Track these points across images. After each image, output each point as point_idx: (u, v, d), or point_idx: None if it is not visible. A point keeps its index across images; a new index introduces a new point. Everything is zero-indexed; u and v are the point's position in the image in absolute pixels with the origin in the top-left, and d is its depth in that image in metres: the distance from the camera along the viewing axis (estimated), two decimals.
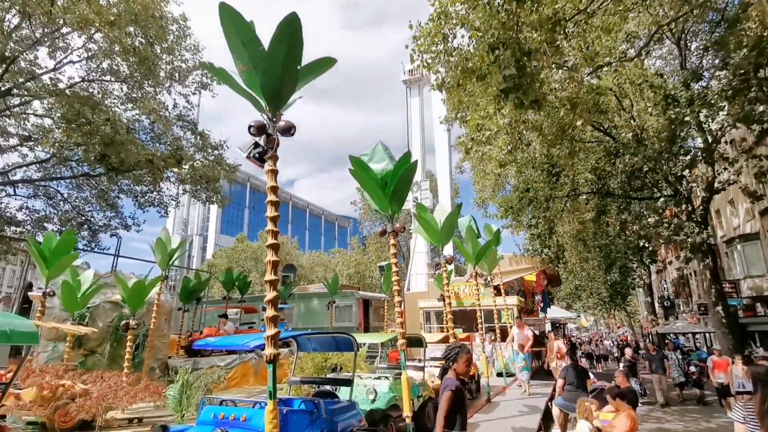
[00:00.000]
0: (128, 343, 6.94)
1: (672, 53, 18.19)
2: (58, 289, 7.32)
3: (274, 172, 2.92)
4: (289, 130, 2.93)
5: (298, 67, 2.97)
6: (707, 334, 27.24)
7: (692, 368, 12.53)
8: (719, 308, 14.48)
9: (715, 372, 10.13)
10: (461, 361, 3.35)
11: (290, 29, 2.81)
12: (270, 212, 2.83)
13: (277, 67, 2.88)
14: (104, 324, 8.47)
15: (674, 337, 28.30)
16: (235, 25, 2.82)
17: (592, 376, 8.17)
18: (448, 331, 6.14)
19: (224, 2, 2.76)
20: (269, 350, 2.53)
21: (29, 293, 7.62)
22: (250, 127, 2.85)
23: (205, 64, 2.96)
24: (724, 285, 16.38)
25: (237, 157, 18.06)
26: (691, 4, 10.62)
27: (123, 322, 7.08)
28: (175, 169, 16.37)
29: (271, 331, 2.57)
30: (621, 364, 12.86)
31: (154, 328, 8.09)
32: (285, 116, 3.05)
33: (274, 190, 2.88)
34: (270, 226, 2.80)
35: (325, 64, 3.16)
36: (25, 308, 9.58)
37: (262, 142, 2.92)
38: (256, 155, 2.90)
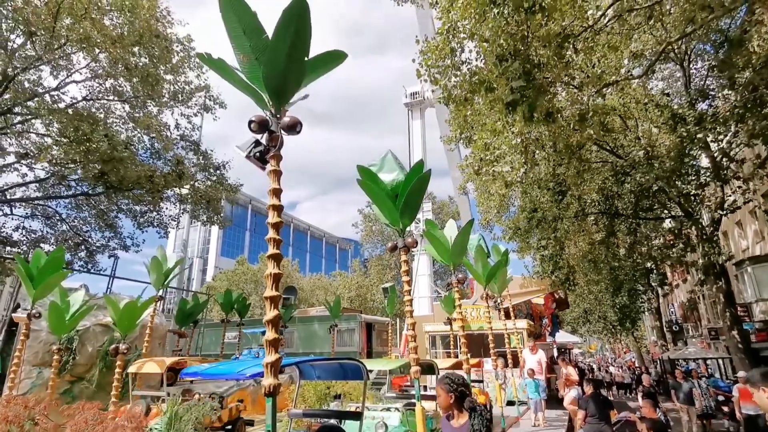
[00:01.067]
0: (117, 369, 6.47)
1: (673, 75, 18.21)
2: (45, 311, 6.90)
3: (277, 173, 2.57)
4: (294, 126, 2.60)
5: (305, 59, 2.67)
6: (719, 360, 26.43)
7: (720, 398, 11.77)
8: (734, 333, 13.97)
9: (741, 402, 9.38)
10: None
11: (297, 15, 2.52)
12: (272, 218, 2.48)
13: (282, 58, 2.58)
14: (93, 348, 7.99)
15: (685, 363, 27.44)
16: (236, 11, 2.53)
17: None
18: (464, 356, 5.68)
19: None
20: (269, 380, 2.11)
21: (13, 315, 7.18)
22: (250, 122, 2.53)
23: (202, 55, 2.65)
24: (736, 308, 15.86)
25: (239, 177, 17.84)
26: (696, 23, 10.57)
27: (112, 346, 6.63)
28: (176, 189, 16.13)
29: (271, 357, 2.15)
30: (639, 394, 12.09)
31: (146, 352, 7.63)
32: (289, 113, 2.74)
33: (277, 193, 2.54)
34: (272, 233, 2.44)
35: (334, 57, 2.86)
36: (13, 331, 9.10)
37: (263, 141, 2.59)
38: (257, 154, 2.57)
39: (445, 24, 8.29)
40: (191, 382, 9.16)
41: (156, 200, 15.92)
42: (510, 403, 10.65)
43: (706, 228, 13.57)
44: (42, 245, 15.70)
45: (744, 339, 13.86)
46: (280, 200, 2.53)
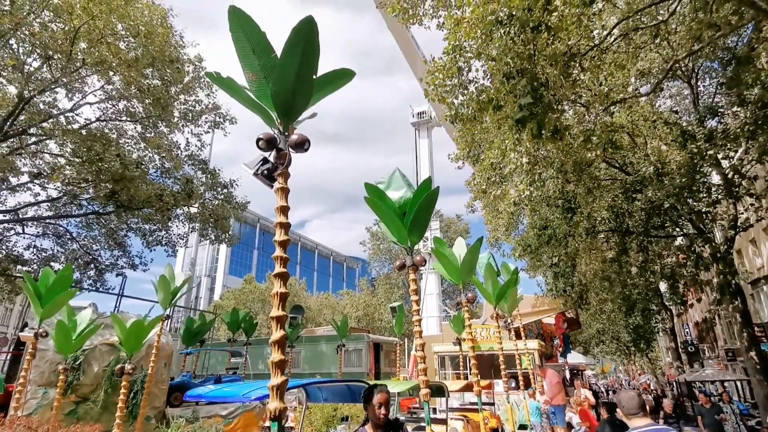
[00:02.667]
0: (122, 390, 6.39)
1: (681, 93, 18.19)
2: (52, 330, 6.87)
3: (285, 191, 2.56)
4: (302, 144, 2.59)
5: (314, 77, 2.68)
6: (738, 383, 25.65)
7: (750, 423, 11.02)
8: (753, 354, 13.58)
9: None
10: (372, 404, 2.98)
11: (305, 34, 2.53)
12: (279, 236, 2.45)
13: (291, 76, 2.59)
14: (100, 368, 7.92)
15: (702, 386, 26.61)
16: (245, 30, 2.55)
17: None
18: (474, 377, 5.52)
19: (234, 5, 2.51)
20: (274, 404, 2.03)
21: (20, 334, 7.17)
22: (258, 140, 2.53)
23: (211, 74, 2.67)
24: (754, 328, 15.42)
25: (246, 195, 17.94)
26: (703, 41, 10.60)
27: (117, 366, 6.56)
28: (185, 207, 16.27)
29: (277, 379, 2.09)
30: (661, 421, 11.39)
31: (152, 372, 7.54)
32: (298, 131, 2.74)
33: (284, 210, 2.51)
34: (278, 251, 2.41)
35: (342, 75, 2.88)
36: (20, 350, 9.09)
37: (271, 158, 2.59)
38: (265, 172, 2.56)
39: (452, 44, 8.38)
40: (196, 404, 9.05)
41: (165, 219, 16.03)
42: (522, 427, 10.33)
43: (720, 246, 13.33)
44: (52, 264, 15.82)
45: (762, 360, 13.45)
46: (287, 218, 2.51)
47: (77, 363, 7.67)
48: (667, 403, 11.35)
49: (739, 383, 25.00)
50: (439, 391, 6.61)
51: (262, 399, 3.08)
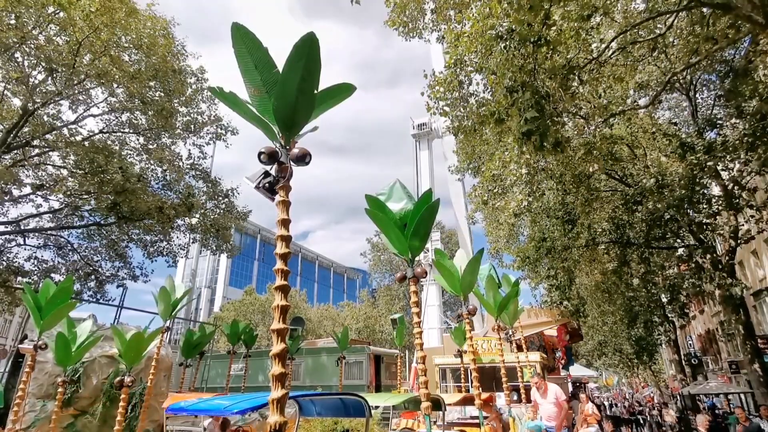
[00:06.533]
0: (121, 403, 6.35)
1: (680, 105, 18.32)
2: (52, 342, 6.84)
3: (286, 204, 2.58)
4: (303, 157, 2.62)
5: (315, 92, 2.72)
6: (741, 395, 25.38)
7: None
8: (756, 366, 13.49)
9: None
10: None
11: (307, 50, 2.58)
12: (280, 249, 2.46)
13: (292, 91, 2.63)
14: (99, 380, 7.87)
15: (708, 399, 26.36)
16: (248, 47, 2.60)
17: None
18: (475, 390, 5.47)
19: (237, 22, 2.56)
20: (275, 418, 2.03)
21: (20, 346, 7.13)
22: (260, 153, 2.56)
23: (213, 89, 2.72)
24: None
25: (246, 205, 17.95)
26: (700, 54, 10.71)
27: (117, 378, 6.51)
28: (186, 218, 16.29)
29: (277, 392, 2.08)
30: None
31: (151, 385, 7.49)
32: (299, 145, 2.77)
33: (285, 223, 2.53)
34: (279, 264, 2.42)
35: (343, 90, 2.92)
36: (19, 362, 9.03)
37: (273, 171, 2.62)
38: (266, 185, 2.59)
39: (453, 58, 8.48)
40: (195, 417, 8.95)
41: (166, 230, 16.05)
42: None
43: (721, 258, 13.31)
44: (53, 275, 15.78)
45: (766, 372, 13.35)
46: (288, 231, 2.53)
47: (76, 375, 7.63)
48: (702, 421, 9.62)
49: (742, 396, 24.73)
50: (434, 404, 6.52)
51: (244, 412, 3.05)
